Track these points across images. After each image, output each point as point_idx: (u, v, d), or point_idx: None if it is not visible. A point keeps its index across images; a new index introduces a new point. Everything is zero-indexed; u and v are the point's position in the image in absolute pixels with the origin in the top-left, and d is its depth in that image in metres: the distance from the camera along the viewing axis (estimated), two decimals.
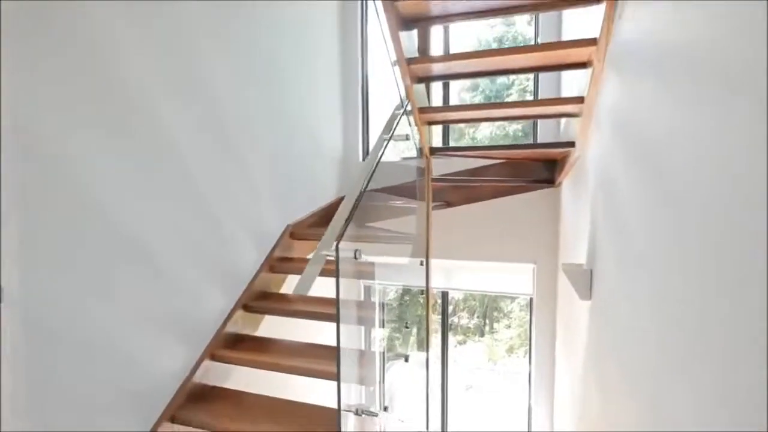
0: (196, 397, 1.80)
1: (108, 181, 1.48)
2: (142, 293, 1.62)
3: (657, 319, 0.93)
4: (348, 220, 1.21)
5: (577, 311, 2.04)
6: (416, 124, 2.11)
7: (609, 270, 1.43)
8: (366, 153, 3.57)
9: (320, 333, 2.27)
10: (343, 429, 1.50)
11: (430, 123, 2.16)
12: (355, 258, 1.17)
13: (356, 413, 1.34)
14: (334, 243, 1.13)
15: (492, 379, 8.06)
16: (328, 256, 1.16)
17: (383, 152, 1.60)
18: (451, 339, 8.85)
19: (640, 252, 1.08)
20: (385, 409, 1.50)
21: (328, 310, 2.36)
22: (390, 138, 1.68)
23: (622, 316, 1.26)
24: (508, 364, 8.30)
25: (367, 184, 1.41)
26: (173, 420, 1.69)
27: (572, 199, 2.38)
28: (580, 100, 1.77)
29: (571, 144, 2.04)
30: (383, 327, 2.02)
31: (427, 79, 1.90)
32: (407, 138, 1.80)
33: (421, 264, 2.26)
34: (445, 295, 3.67)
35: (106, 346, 1.47)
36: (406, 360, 1.95)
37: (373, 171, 1.47)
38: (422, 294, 2.20)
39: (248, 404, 1.81)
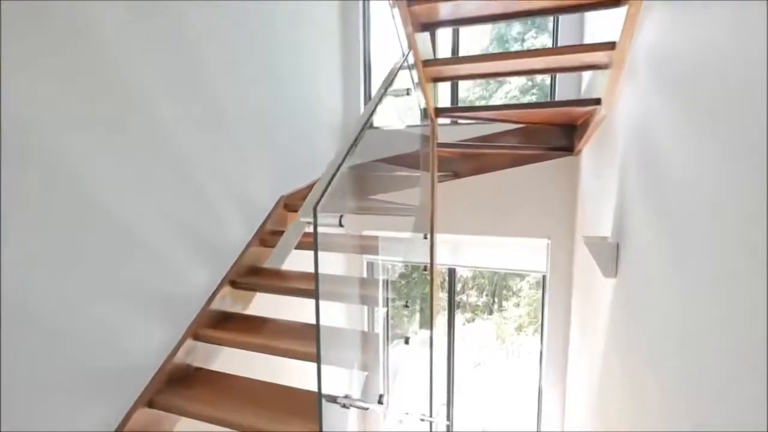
0: (178, 380, 1.65)
1: (76, 142, 1.29)
2: (115, 265, 1.45)
3: (709, 302, 0.73)
4: (330, 181, 1.01)
5: (599, 289, 1.84)
6: (420, 81, 1.87)
7: (642, 243, 1.21)
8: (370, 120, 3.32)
9: (321, 312, 2.11)
10: (342, 423, 1.34)
11: (436, 80, 1.92)
12: (340, 225, 0.97)
13: (343, 406, 1.17)
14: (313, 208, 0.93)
15: (500, 356, 7.97)
16: (308, 223, 0.95)
17: (376, 106, 1.38)
18: (460, 317, 8.77)
19: (687, 220, 0.86)
20: (380, 399, 1.33)
21: (330, 288, 2.19)
22: (386, 90, 1.45)
23: (658, 296, 1.05)
24: (516, 342, 8.20)
25: (356, 140, 1.19)
26: (151, 404, 1.55)
27: (595, 166, 2.14)
28: (610, 46, 1.51)
29: (597, 101, 1.79)
30: (387, 306, 1.84)
31: (431, 26, 1.65)
32: (408, 93, 1.57)
33: (425, 238, 2.06)
34: (452, 272, 3.48)
35: (73, 324, 1.31)
36: (407, 342, 1.77)
37: (364, 125, 1.25)
38: (425, 270, 2.01)
39: (235, 389, 1.66)
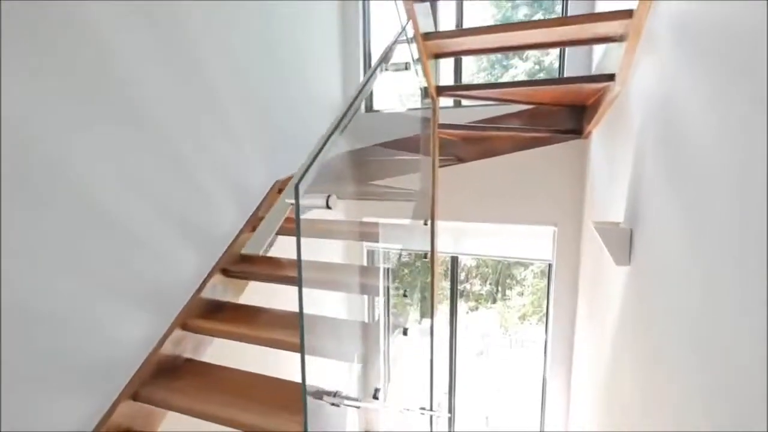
0: (165, 371, 1.58)
1: (53, 120, 1.19)
2: (98, 251, 1.37)
3: (732, 295, 0.63)
4: (315, 157, 0.91)
5: (609, 278, 1.74)
6: (420, 57, 1.75)
7: (660, 229, 1.11)
8: (369, 103, 3.21)
9: (318, 302, 2.03)
10: (339, 418, 1.26)
11: (438, 56, 1.80)
12: (328, 206, 0.87)
13: (332, 404, 1.08)
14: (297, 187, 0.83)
15: (503, 346, 7.93)
16: (291, 204, 0.86)
17: (369, 78, 1.27)
18: (463, 306, 8.72)
19: (714, 205, 0.75)
20: (376, 394, 1.25)
21: (327, 276, 2.11)
22: (382, 62, 1.34)
23: (677, 286, 0.95)
24: (519, 331, 8.16)
25: (346, 113, 1.09)
26: (136, 398, 1.47)
27: (606, 149, 2.02)
28: (627, 14, 1.39)
29: (610, 77, 1.66)
30: (387, 296, 1.76)
31: None
32: (406, 67, 1.45)
33: (426, 224, 1.96)
34: (454, 261, 3.39)
35: (51, 312, 1.23)
36: (405, 333, 1.69)
37: (356, 97, 1.15)
38: (425, 258, 1.91)
39: (226, 382, 1.58)
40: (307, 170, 0.85)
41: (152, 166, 1.60)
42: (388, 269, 2.18)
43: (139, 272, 1.55)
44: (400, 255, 2.12)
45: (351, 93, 3.20)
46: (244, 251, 1.26)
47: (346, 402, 1.11)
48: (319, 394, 1.05)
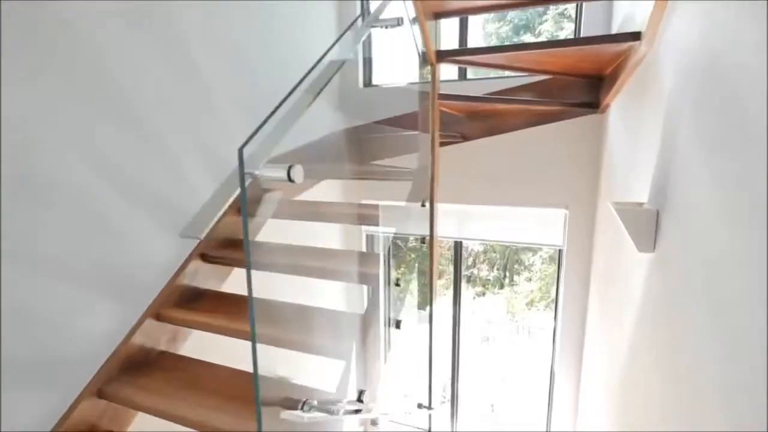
0: (135, 366, 1.44)
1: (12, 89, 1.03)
2: (57, 232, 1.22)
3: None
4: (269, 116, 0.73)
5: (628, 266, 1.55)
6: (417, 17, 1.55)
7: (697, 211, 0.92)
8: (368, 77, 2.99)
9: (316, 293, 1.88)
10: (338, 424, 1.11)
11: (438, 15, 1.59)
12: (289, 179, 0.70)
13: (302, 408, 0.93)
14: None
15: (510, 331, 7.79)
16: (250, 176, 0.69)
17: (347, 30, 1.08)
18: (471, 291, 8.58)
19: None
20: (360, 398, 1.09)
21: (323, 264, 1.94)
22: (365, 17, 1.14)
23: (717, 281, 0.77)
24: (527, 317, 8.01)
25: (313, 68, 0.91)
26: (100, 395, 1.34)
27: (627, 121, 1.81)
28: None
29: (635, 36, 1.45)
30: (387, 285, 1.59)
31: None
32: (398, 23, 1.26)
33: (423, 205, 1.78)
34: (458, 246, 3.21)
35: (4, 302, 1.09)
36: (398, 326, 1.53)
37: (328, 50, 0.96)
38: (423, 243, 1.74)
39: (202, 378, 1.44)
40: (256, 132, 0.67)
41: (125, 142, 1.43)
42: (389, 253, 2.02)
43: (104, 256, 1.40)
44: (400, 240, 1.95)
45: (348, 69, 3.00)
46: (181, 235, 1.10)
47: (323, 411, 0.96)
48: (289, 403, 0.90)
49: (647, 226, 1.25)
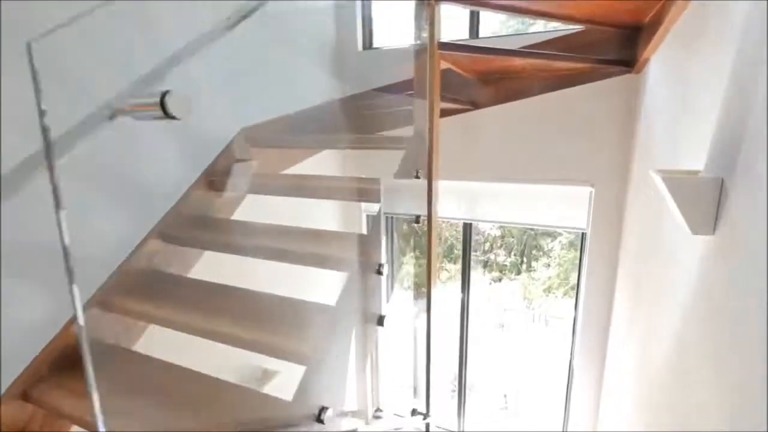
0: (71, 365, 1.23)
1: None
2: None
3: None
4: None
5: (675, 252, 1.24)
6: None
7: None
8: (369, 40, 2.67)
9: (303, 282, 1.64)
10: None
11: None
12: (164, 112, 0.43)
13: None
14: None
15: (526, 319, 7.51)
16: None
17: None
18: (486, 276, 8.31)
19: None
20: (320, 417, 0.84)
21: (309, 248, 1.66)
22: None
23: None
24: (543, 304, 7.71)
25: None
26: (26, 398, 1.13)
27: (674, 77, 1.48)
28: None
29: None
30: (383, 272, 1.33)
31: None
32: None
33: (417, 177, 1.50)
34: (467, 228, 2.92)
35: None
36: (380, 323, 1.27)
37: None
38: (417, 223, 1.47)
39: (156, 380, 1.21)
40: None
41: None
42: (391, 232, 1.75)
43: (41, 236, 1.17)
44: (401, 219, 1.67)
45: (346, 32, 2.68)
46: None
47: None
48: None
49: (706, 200, 0.94)
